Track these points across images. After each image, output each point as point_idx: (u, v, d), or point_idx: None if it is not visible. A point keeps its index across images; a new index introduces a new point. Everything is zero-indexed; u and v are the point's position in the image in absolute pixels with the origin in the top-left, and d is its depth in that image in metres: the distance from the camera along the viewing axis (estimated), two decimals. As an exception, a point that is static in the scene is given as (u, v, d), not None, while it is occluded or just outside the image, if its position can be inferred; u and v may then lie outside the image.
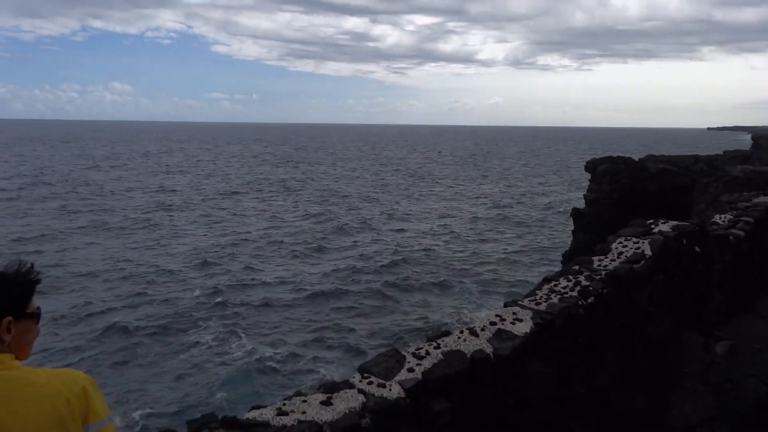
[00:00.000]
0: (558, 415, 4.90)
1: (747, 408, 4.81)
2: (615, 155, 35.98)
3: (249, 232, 38.66)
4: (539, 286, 5.42)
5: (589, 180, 34.67)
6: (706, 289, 6.74)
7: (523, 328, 4.61)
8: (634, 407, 5.20)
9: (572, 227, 32.81)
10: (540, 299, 5.09)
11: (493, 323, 4.67)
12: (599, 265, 5.66)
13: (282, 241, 36.27)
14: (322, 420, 3.41)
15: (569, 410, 5.08)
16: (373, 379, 3.96)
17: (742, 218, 8.13)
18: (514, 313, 4.83)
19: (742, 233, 7.67)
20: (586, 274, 5.48)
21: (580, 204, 33.34)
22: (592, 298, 5.15)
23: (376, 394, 3.77)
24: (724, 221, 8.09)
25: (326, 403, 3.62)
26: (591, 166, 34.87)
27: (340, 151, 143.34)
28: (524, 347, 4.47)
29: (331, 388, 3.84)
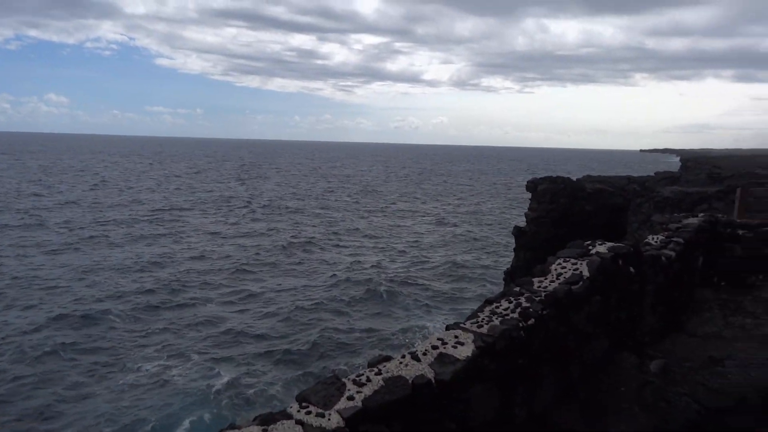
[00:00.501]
0: (498, 438, 4.88)
1: (679, 427, 4.93)
2: (555, 175, 37.17)
3: (192, 250, 37.60)
4: (481, 308, 5.42)
5: (530, 199, 35.66)
6: (639, 310, 6.94)
7: (465, 351, 4.58)
8: (573, 428, 5.25)
9: (514, 245, 33.51)
10: (482, 321, 5.08)
11: (435, 347, 4.62)
12: (539, 287, 5.72)
13: (228, 257, 35.46)
14: (255, 455, 3.25)
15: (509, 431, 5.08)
16: (311, 408, 3.82)
17: (673, 239, 8.45)
18: (456, 337, 4.80)
19: (673, 254, 7.96)
20: (526, 295, 5.53)
21: (522, 222, 34.18)
22: (533, 319, 5.19)
23: (314, 425, 3.64)
24: (656, 242, 8.38)
25: (262, 435, 3.46)
26: (532, 186, 35.89)
27: (287, 168, 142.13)
28: (466, 371, 4.43)
29: (267, 419, 3.68)
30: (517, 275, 31.47)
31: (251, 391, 17.49)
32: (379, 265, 35.45)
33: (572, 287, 5.67)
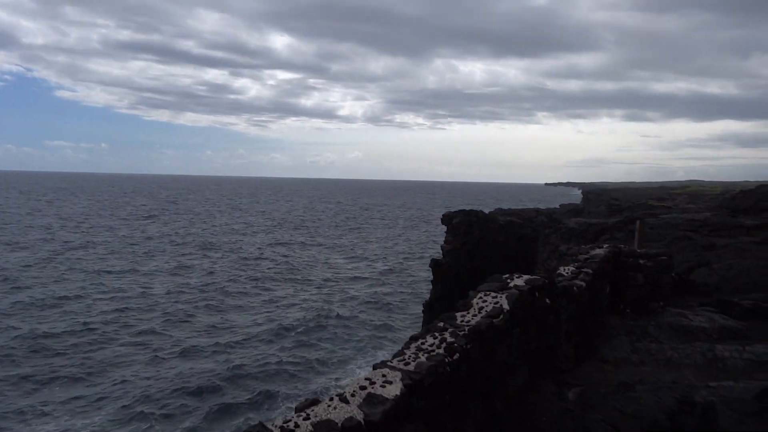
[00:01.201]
0: (428, 477, 4.85)
1: (599, 453, 5.10)
2: (468, 209, 38.34)
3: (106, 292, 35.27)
4: (407, 345, 5.42)
5: (446, 232, 36.51)
6: (556, 339, 7.20)
7: (393, 390, 4.54)
8: (500, 461, 5.31)
9: (431, 276, 34.04)
10: (408, 359, 5.07)
11: (363, 387, 4.55)
12: (462, 321, 5.81)
13: (145, 297, 33.64)
14: None
15: (439, 470, 5.06)
16: (237, 460, 3.64)
17: (582, 269, 8.89)
18: (383, 375, 4.76)
19: (583, 284, 8.36)
20: (450, 330, 5.59)
21: (438, 254, 34.85)
22: (458, 354, 5.24)
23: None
24: (567, 273, 8.79)
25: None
26: (447, 219, 36.80)
27: (197, 203, 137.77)
28: (395, 410, 4.39)
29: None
30: (436, 306, 31.91)
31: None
32: (303, 298, 34.92)
33: (494, 321, 5.80)
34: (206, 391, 19.86)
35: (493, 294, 6.38)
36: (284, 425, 4.02)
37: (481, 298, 6.34)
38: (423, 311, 32.17)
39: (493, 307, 6.06)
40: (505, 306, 6.09)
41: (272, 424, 4.08)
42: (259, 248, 57.61)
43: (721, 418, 5.67)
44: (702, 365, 8.36)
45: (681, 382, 6.53)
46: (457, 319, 5.90)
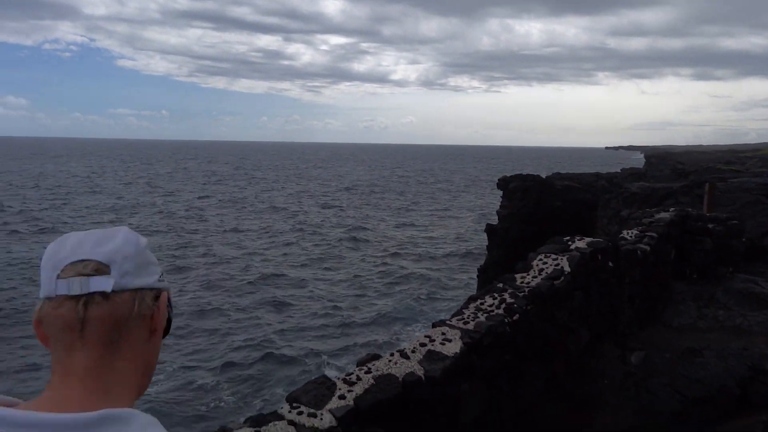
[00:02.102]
0: (486, 433, 4.90)
1: (663, 417, 5.01)
2: (524, 173, 37.58)
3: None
4: (466, 305, 5.43)
5: (501, 197, 36.00)
6: (618, 303, 7.05)
7: (453, 348, 4.58)
8: (558, 422, 5.30)
9: (486, 242, 33.78)
10: (467, 318, 5.09)
11: (423, 344, 4.61)
12: (522, 282, 5.76)
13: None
14: (250, 457, 3.19)
15: (498, 429, 5.10)
16: (302, 408, 3.77)
17: (647, 233, 8.61)
18: (443, 333, 4.80)
19: (647, 248, 8.11)
20: (510, 291, 5.56)
21: (494, 220, 34.46)
22: (517, 315, 5.22)
23: (306, 425, 3.59)
24: (631, 236, 8.53)
25: (255, 438, 3.40)
26: (503, 184, 36.20)
27: (266, 168, 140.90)
28: (455, 367, 4.44)
29: (258, 421, 3.62)
30: (491, 272, 31.70)
31: (241, 392, 17.21)
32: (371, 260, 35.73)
33: (554, 282, 5.73)
34: (278, 357, 20.51)
35: (553, 256, 6.28)
36: (347, 378, 4.13)
37: (541, 260, 6.26)
38: (477, 276, 32.07)
39: (554, 269, 5.97)
40: (566, 268, 5.99)
41: (336, 377, 4.20)
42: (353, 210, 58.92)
43: (795, 386, 5.45)
44: (774, 333, 8.02)
45: (752, 350, 6.29)
46: (516, 281, 5.85)
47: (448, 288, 31.61)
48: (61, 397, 0.96)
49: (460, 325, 5.00)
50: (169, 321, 1.16)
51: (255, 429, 3.51)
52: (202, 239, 41.10)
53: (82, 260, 1.01)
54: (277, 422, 3.59)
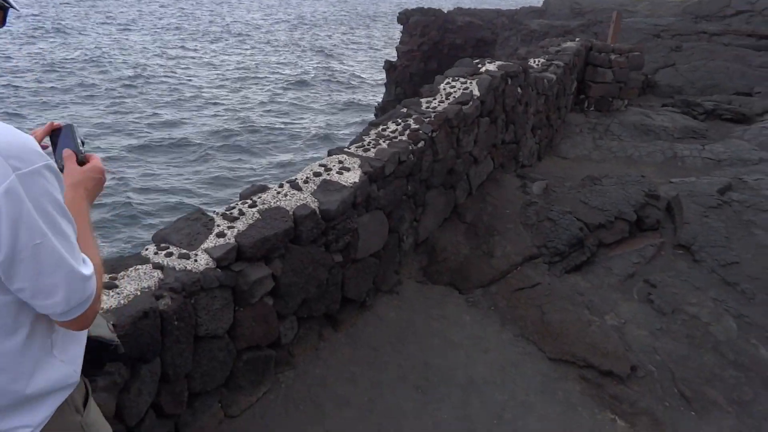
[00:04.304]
0: (385, 268, 4.62)
1: (563, 244, 4.93)
2: (426, 7, 35.87)
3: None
4: (366, 131, 4.85)
5: (401, 32, 34.49)
6: (523, 132, 6.77)
7: (351, 177, 4.04)
8: (459, 251, 5.11)
9: (384, 79, 32.86)
10: (368, 145, 4.53)
11: (317, 174, 4.03)
12: (428, 107, 5.21)
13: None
14: (102, 309, 2.58)
15: (396, 261, 4.84)
16: (172, 249, 3.16)
17: (553, 62, 8.23)
18: (340, 162, 4.23)
19: (554, 77, 7.77)
20: (415, 117, 5.01)
21: (392, 56, 33.23)
22: (422, 142, 4.72)
23: (177, 268, 3.00)
24: (537, 65, 8.12)
25: (109, 285, 2.77)
26: (404, 18, 34.53)
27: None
28: (353, 199, 3.94)
29: (114, 266, 2.97)
30: (389, 109, 31.31)
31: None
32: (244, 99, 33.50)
33: (463, 108, 5.22)
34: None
35: (462, 79, 5.72)
36: (227, 212, 3.51)
37: (449, 83, 5.69)
38: (375, 114, 31.56)
39: (462, 92, 5.44)
40: (476, 92, 5.48)
41: (213, 212, 3.57)
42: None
43: (686, 211, 5.54)
44: (662, 163, 8.26)
45: (649, 177, 6.34)
46: (422, 105, 5.29)
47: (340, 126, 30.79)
48: None
49: (360, 152, 4.44)
50: None
51: (110, 275, 2.87)
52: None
53: None
54: (139, 266, 2.96)
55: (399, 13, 35.11)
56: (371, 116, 30.08)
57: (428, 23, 34.27)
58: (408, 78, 32.08)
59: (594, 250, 5.11)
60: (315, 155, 24.39)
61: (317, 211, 3.68)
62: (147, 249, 3.17)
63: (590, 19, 30.49)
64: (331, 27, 75.63)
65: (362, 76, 43.91)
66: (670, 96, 11.82)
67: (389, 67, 32.49)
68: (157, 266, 2.99)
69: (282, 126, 28.92)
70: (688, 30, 21.20)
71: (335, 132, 29.49)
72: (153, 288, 2.84)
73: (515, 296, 4.64)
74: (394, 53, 32.34)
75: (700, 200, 5.77)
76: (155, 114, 27.39)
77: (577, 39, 10.42)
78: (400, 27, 33.64)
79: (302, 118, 31.02)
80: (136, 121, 26.02)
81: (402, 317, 4.50)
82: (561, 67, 8.17)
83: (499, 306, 4.61)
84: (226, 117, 28.87)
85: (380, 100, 31.43)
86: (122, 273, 2.91)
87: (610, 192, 5.67)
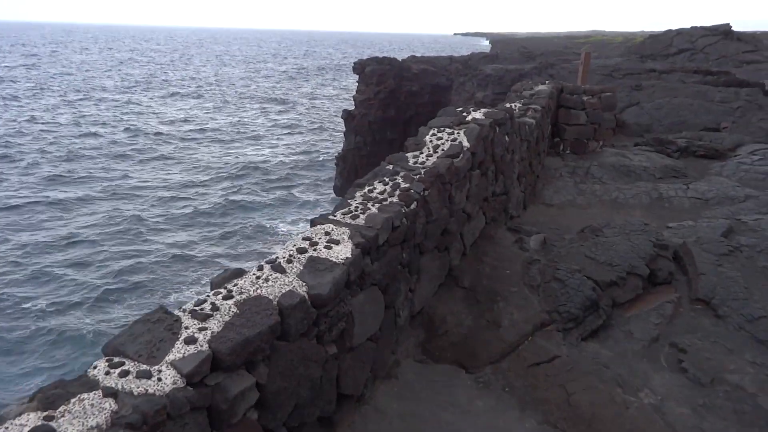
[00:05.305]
0: (382, 351, 3.98)
1: (576, 307, 4.39)
2: (381, 56, 36.22)
3: None
4: (351, 194, 4.27)
5: (358, 81, 34.58)
6: (511, 182, 6.32)
7: (342, 251, 3.44)
8: (461, 322, 4.51)
9: (343, 128, 32.66)
10: (356, 211, 3.95)
11: (302, 250, 3.40)
12: (416, 163, 4.69)
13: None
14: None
15: (393, 340, 4.21)
16: (129, 365, 2.46)
17: (530, 106, 7.91)
18: (327, 233, 3.62)
19: (533, 121, 7.42)
20: (403, 174, 4.47)
21: (350, 105, 33.20)
22: (415, 203, 4.18)
23: (135, 392, 2.31)
24: (515, 109, 7.78)
25: (46, 428, 2.07)
26: (359, 68, 34.71)
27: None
28: (346, 278, 3.32)
29: (52, 398, 2.25)
30: (349, 157, 30.95)
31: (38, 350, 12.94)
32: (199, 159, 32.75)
33: (454, 161, 4.72)
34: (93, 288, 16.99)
35: (448, 130, 5.24)
36: (196, 309, 2.83)
37: (434, 134, 5.20)
38: (336, 164, 31.20)
39: (451, 144, 4.95)
40: (465, 143, 5.00)
41: (180, 310, 2.89)
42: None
43: (698, 260, 5.11)
44: (649, 205, 7.94)
45: (651, 224, 5.93)
46: (409, 161, 4.76)
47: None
48: None
49: (348, 220, 3.85)
50: None
51: (46, 412, 2.16)
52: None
53: None
54: (85, 395, 2.26)
55: (354, 63, 35.38)
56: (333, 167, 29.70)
57: (384, 72, 34.60)
58: (367, 126, 32.05)
59: (609, 311, 4.59)
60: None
61: (306, 298, 3.04)
62: (96, 367, 2.47)
63: (541, 62, 31.28)
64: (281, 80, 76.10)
65: (324, 123, 43.86)
66: (639, 135, 11.73)
67: (347, 116, 32.43)
68: (109, 392, 2.29)
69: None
70: (638, 69, 21.76)
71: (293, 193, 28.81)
72: (104, 426, 2.14)
73: (532, 373, 4.05)
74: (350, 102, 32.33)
75: (709, 247, 5.37)
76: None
77: (547, 81, 10.23)
78: (355, 77, 33.80)
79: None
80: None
81: (405, 409, 3.85)
82: (539, 111, 7.85)
83: (515, 386, 4.01)
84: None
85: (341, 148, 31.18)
86: (62, 408, 2.20)
87: (616, 244, 5.21)
